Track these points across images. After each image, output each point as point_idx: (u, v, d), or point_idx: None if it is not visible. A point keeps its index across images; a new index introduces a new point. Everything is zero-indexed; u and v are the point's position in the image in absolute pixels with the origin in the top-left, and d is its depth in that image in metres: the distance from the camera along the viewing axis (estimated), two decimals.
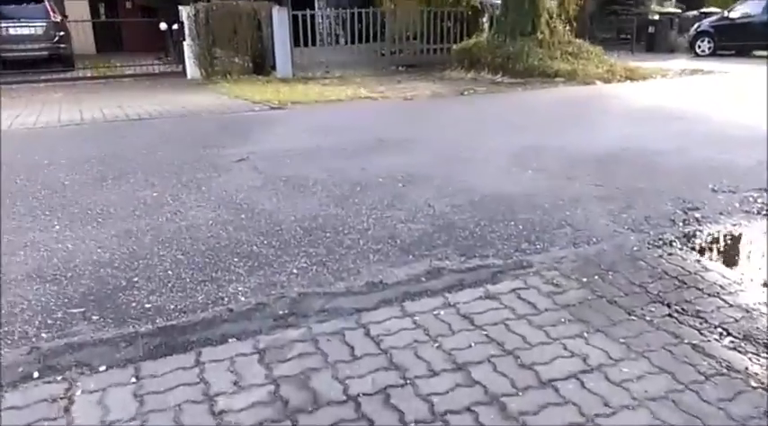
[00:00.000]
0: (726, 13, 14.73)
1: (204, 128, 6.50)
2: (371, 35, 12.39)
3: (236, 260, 2.90)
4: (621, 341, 2.20)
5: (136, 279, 2.68)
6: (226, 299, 2.50)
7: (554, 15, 10.98)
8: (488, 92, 9.23)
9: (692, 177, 4.26)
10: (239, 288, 2.60)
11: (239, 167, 4.68)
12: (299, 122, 6.79)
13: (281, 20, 11.06)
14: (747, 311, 2.42)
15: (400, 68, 12.65)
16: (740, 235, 3.29)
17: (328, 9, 16.27)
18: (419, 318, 2.35)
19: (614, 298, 2.52)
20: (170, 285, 2.63)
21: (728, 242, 3.15)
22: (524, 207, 3.66)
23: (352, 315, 2.37)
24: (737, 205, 3.67)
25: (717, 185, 4.04)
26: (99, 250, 3.02)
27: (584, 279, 2.70)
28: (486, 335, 2.23)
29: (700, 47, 14.86)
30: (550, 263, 2.87)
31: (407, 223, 3.40)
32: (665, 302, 2.50)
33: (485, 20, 13.78)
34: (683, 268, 2.83)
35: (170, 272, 2.76)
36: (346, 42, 12.64)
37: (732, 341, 2.22)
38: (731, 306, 2.48)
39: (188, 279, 2.69)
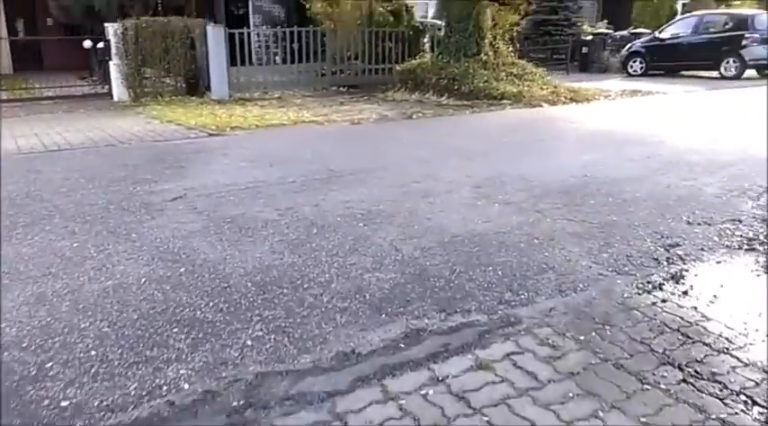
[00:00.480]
0: (657, 34, 15.28)
1: (133, 159, 5.87)
2: (311, 54, 12.01)
3: (175, 330, 2.42)
4: (642, 420, 1.89)
5: (49, 365, 2.16)
6: (165, 388, 2.03)
7: (497, 36, 10.97)
8: (436, 115, 9.02)
9: (663, 208, 4.10)
10: (181, 371, 2.13)
11: (175, 207, 4.15)
12: (240, 151, 6.27)
13: (216, 38, 10.50)
14: (765, 371, 2.18)
15: (341, 89, 12.32)
16: (729, 274, 3.10)
17: (265, 27, 15.84)
18: (405, 402, 1.97)
19: (620, 362, 2.22)
20: (93, 371, 2.13)
21: (720, 284, 2.94)
22: (499, 248, 3.36)
23: (323, 402, 1.96)
24: (717, 239, 3.51)
25: (690, 216, 3.90)
26: (2, 325, 2.46)
27: (582, 337, 2.40)
28: (489, 422, 1.87)
29: (632, 67, 15.35)
30: (540, 318, 2.56)
31: (374, 272, 3.02)
32: (676, 363, 2.22)
33: (426, 40, 13.71)
34: (681, 318, 2.58)
35: (93, 353, 2.25)
36: (285, 62, 12.20)
37: (761, 413, 1.95)
38: (746, 364, 2.23)
39: (116, 362, 2.19)
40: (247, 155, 6.04)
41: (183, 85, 10.70)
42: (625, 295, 2.79)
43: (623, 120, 8.45)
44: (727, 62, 13.72)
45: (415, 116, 8.82)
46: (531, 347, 2.33)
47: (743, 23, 13.84)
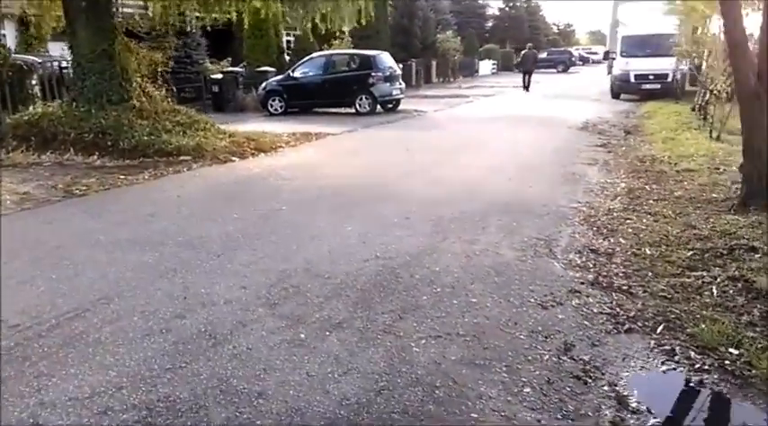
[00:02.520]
0: (291, 73, 15.38)
1: None
2: None
3: None
4: None
5: None
6: None
7: (144, 78, 9.03)
8: (108, 185, 6.72)
9: (488, 296, 3.56)
10: None
11: None
12: None
13: None
14: None
15: None
16: None
17: None
18: None
19: None
20: None
21: None
22: None
23: None
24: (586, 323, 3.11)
25: (540, 299, 3.45)
26: None
27: None
28: None
29: (272, 106, 15.12)
30: None
31: None
32: None
33: (34, 82, 10.58)
34: None
35: None
36: None
37: None
38: None
39: None
40: None
41: None
42: None
43: (335, 171, 7.66)
44: (361, 99, 14.67)
45: (77, 190, 6.37)
46: None
47: (367, 62, 14.97)
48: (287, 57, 21.69)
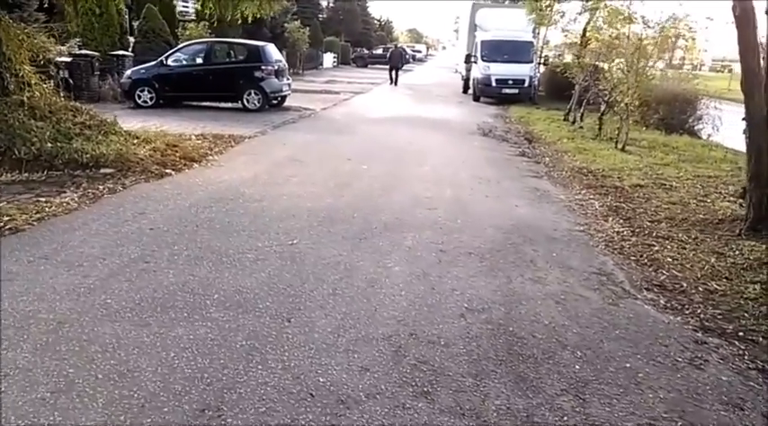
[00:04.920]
0: (164, 60, 13.43)
1: None
2: None
3: None
4: None
5: None
6: None
7: (24, 66, 7.13)
8: (32, 212, 5.05)
9: (637, 359, 3.34)
10: None
11: None
12: None
13: None
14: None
15: None
16: None
17: None
18: None
19: None
20: None
21: None
22: None
23: None
24: None
25: (685, 358, 3.31)
26: None
27: None
28: None
29: (140, 97, 13.06)
30: None
31: None
32: None
33: None
34: None
35: None
36: None
37: None
38: None
39: None
40: None
41: None
42: None
43: (299, 188, 6.65)
44: (250, 94, 13.32)
45: (6, 224, 4.70)
46: None
47: (256, 54, 13.63)
48: (131, 39, 19.05)
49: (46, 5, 13.87)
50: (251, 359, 3.05)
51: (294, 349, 3.20)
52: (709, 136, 12.95)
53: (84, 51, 14.08)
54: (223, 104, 13.84)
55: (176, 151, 7.52)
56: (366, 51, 48.45)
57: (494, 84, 19.31)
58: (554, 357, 3.29)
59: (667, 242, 5.32)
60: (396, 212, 5.94)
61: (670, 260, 4.87)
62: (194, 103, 13.81)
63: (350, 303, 3.81)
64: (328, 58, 40.06)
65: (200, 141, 8.86)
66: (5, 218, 4.82)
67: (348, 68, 37.61)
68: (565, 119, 14.61)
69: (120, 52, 15.58)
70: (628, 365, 3.24)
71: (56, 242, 4.53)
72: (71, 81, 12.71)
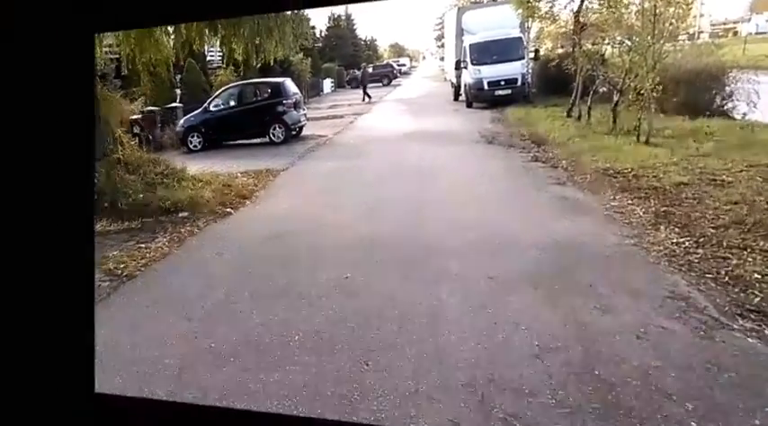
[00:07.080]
0: (208, 106, 15.40)
1: None
2: None
3: None
4: None
5: None
6: None
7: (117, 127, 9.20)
8: (138, 258, 6.51)
9: None
10: None
11: None
12: None
13: None
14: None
15: None
16: None
17: None
18: None
19: None
20: None
21: None
22: None
23: None
24: None
25: None
26: None
27: None
28: None
29: (191, 142, 15.25)
30: None
31: None
32: None
33: None
34: None
35: None
36: None
37: None
38: None
39: None
40: None
41: None
42: None
43: (337, 218, 7.42)
44: (275, 128, 15.11)
45: (117, 269, 6.11)
46: None
47: (277, 90, 15.31)
48: (178, 92, 21.55)
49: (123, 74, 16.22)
50: (343, 411, 3.13)
51: (380, 398, 3.26)
52: (745, 115, 11.32)
53: (149, 107, 16.42)
54: (254, 140, 15.38)
55: (231, 190, 9.54)
56: (357, 72, 50.38)
57: (486, 87, 18.95)
58: (660, 410, 2.94)
59: (746, 253, 4.63)
60: (431, 236, 6.12)
61: (758, 276, 4.21)
62: (232, 143, 15.65)
63: (417, 343, 3.86)
64: (327, 84, 42.54)
65: (245, 178, 10.78)
66: (122, 266, 6.22)
67: (345, 91, 40.00)
68: (568, 116, 14.15)
69: (173, 104, 18.04)
70: (758, 422, 2.79)
71: (160, 285, 5.65)
72: (142, 134, 15.09)
